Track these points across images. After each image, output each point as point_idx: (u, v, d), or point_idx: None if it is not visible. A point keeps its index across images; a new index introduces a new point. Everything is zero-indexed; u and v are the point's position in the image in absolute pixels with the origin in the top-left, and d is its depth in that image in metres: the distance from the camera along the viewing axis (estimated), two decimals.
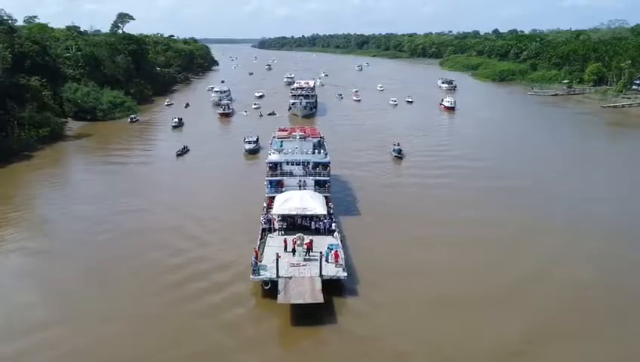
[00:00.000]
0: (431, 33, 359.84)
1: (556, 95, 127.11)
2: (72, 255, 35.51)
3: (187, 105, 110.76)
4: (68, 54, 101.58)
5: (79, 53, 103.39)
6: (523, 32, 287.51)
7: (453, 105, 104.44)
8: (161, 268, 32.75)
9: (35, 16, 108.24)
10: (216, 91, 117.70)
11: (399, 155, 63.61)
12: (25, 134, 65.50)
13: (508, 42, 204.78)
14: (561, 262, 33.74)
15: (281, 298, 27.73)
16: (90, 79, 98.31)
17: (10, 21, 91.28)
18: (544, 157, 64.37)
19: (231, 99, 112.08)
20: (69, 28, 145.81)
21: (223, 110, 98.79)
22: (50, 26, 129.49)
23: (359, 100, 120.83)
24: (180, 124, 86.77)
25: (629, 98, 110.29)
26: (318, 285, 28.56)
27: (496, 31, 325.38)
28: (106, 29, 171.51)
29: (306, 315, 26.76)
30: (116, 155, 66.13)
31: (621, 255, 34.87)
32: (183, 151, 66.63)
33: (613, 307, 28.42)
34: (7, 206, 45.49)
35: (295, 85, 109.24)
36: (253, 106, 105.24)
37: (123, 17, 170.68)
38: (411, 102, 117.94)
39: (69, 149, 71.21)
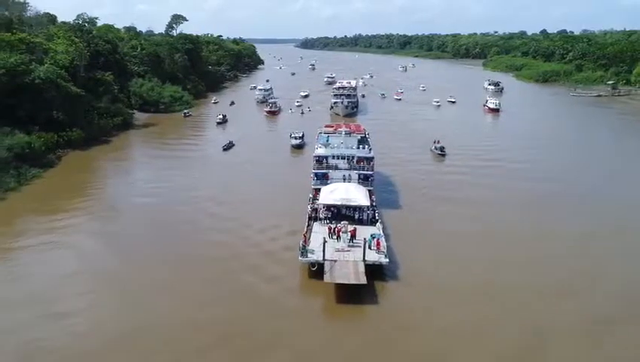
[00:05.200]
0: (475, 34, 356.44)
1: (599, 96, 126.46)
2: (144, 217, 43.10)
3: (232, 103, 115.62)
4: (134, 53, 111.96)
5: (143, 51, 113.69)
6: (573, 32, 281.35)
7: (497, 107, 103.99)
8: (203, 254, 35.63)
9: (97, 18, 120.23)
10: (260, 89, 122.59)
11: (442, 153, 64.61)
12: (103, 122, 74.81)
13: (554, 43, 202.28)
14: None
15: (327, 277, 30.03)
16: (153, 75, 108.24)
17: (89, 24, 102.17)
18: (587, 158, 65.38)
19: (273, 97, 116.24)
20: (128, 29, 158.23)
21: (270, 108, 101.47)
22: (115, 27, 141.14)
23: (400, 100, 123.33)
24: (224, 121, 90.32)
25: None
26: (362, 268, 30.56)
27: (544, 31, 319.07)
28: (156, 28, 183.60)
29: (349, 295, 29.06)
30: (174, 145, 72.61)
31: None
32: (229, 146, 69.97)
33: None
34: (95, 178, 55.07)
35: (337, 85, 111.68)
36: (296, 104, 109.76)
37: (177, 19, 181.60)
38: (454, 102, 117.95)
39: (137, 137, 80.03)
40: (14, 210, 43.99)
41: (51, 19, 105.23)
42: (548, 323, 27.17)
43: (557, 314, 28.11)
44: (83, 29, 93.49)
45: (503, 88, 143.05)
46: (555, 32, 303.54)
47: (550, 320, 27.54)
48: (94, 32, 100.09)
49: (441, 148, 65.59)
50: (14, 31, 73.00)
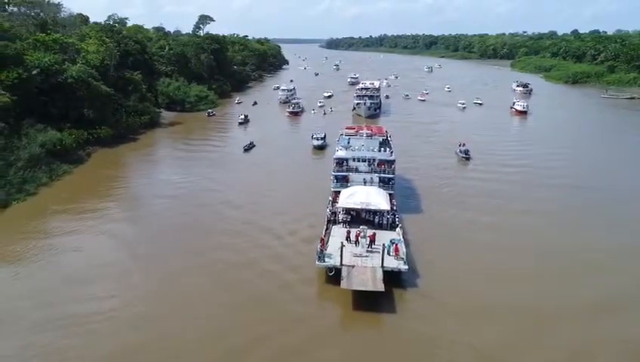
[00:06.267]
0: (504, 34, 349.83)
1: (632, 98, 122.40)
2: (161, 212, 44.30)
3: (255, 103, 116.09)
4: (162, 53, 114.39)
5: (171, 51, 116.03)
6: (606, 32, 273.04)
7: (525, 109, 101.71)
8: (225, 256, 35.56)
9: (127, 18, 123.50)
10: (283, 90, 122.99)
11: (466, 156, 63.65)
12: (131, 120, 76.77)
13: (585, 43, 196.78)
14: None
15: (344, 283, 29.40)
16: (179, 75, 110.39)
17: (119, 24, 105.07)
18: (619, 164, 62.90)
19: (296, 98, 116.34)
20: (156, 29, 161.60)
21: (293, 109, 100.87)
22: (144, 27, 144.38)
23: (425, 101, 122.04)
24: (245, 121, 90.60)
25: None
26: (380, 275, 29.98)
27: (575, 31, 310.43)
28: (184, 28, 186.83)
29: (366, 302, 28.53)
30: (196, 144, 73.49)
31: None
32: (250, 147, 70.05)
33: None
34: (121, 176, 56.72)
35: (360, 85, 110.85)
36: (319, 105, 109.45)
37: (204, 19, 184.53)
38: (480, 104, 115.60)
39: (163, 135, 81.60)
40: (45, 206, 45.52)
41: (84, 19, 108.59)
42: (583, 346, 25.75)
43: (594, 336, 26.52)
44: (113, 29, 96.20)
45: (531, 90, 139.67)
46: (587, 32, 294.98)
47: (586, 342, 26.07)
48: (124, 32, 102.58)
49: (466, 152, 64.52)
50: (49, 31, 75.62)
